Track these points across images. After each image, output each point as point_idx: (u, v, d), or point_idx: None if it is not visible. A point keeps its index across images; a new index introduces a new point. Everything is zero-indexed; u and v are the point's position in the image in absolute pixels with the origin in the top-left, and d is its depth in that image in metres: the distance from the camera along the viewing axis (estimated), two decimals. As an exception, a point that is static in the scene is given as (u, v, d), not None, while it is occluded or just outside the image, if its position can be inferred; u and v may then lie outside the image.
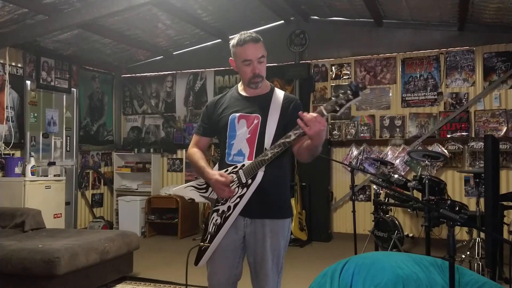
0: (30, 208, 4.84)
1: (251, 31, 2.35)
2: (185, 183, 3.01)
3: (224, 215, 2.18)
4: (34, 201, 5.25)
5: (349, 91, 1.93)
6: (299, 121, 1.97)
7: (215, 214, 2.22)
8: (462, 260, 4.33)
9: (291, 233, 6.01)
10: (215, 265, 2.25)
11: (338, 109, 1.95)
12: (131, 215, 6.84)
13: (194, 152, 2.38)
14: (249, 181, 2.14)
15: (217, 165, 2.35)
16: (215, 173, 2.20)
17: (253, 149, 2.20)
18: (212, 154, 6.53)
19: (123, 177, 7.50)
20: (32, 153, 5.75)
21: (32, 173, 5.48)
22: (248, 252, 2.26)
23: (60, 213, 5.67)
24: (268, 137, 2.19)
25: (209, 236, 2.21)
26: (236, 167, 2.18)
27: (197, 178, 2.38)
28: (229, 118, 2.25)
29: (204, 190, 2.31)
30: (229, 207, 2.18)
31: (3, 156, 5.57)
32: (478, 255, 4.19)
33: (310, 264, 4.98)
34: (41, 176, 5.67)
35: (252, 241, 2.21)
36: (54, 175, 5.82)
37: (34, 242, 3.89)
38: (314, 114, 1.94)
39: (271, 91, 2.33)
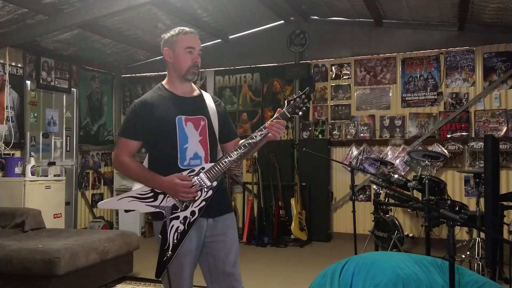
0: (30, 208, 4.84)
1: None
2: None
3: (188, 221, 2.13)
4: (34, 201, 5.25)
5: (304, 96, 2.18)
6: (270, 128, 2.13)
7: (175, 222, 2.12)
8: (462, 260, 4.33)
9: (291, 233, 6.07)
10: (186, 270, 2.19)
11: (297, 111, 2.18)
12: (131, 215, 6.82)
13: (129, 160, 2.20)
14: (214, 183, 2.17)
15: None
16: (172, 177, 2.11)
17: (208, 151, 2.23)
18: None
19: (123, 177, 7.47)
20: (32, 153, 5.75)
21: (32, 173, 5.48)
22: (207, 251, 2.25)
23: (60, 213, 5.67)
24: (217, 138, 2.29)
25: (171, 245, 2.10)
26: (193, 170, 2.16)
27: None
28: (176, 120, 2.19)
29: (152, 199, 2.15)
30: (193, 212, 2.14)
31: (3, 156, 5.57)
32: (478, 255, 4.18)
33: (310, 264, 4.98)
34: (41, 176, 5.66)
35: (212, 238, 2.24)
36: (54, 175, 5.82)
37: (34, 242, 3.89)
38: (282, 121, 2.15)
39: (201, 94, 2.36)
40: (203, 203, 2.15)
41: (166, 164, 2.17)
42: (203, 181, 2.15)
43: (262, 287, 4.19)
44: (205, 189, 2.15)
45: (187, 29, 2.27)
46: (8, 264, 3.55)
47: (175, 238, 2.11)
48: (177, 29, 2.27)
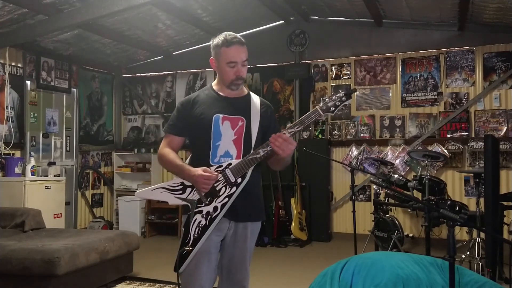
0: (30, 208, 4.84)
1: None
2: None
3: (209, 216, 2.13)
4: (34, 201, 5.25)
5: (341, 93, 2.13)
6: (273, 145, 2.07)
7: (198, 216, 2.14)
8: (462, 260, 4.33)
9: (291, 233, 6.07)
10: (199, 269, 2.17)
11: (333, 109, 2.14)
12: (131, 215, 6.84)
13: (168, 152, 2.28)
14: (239, 180, 2.15)
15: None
16: (197, 169, 2.14)
17: (241, 151, 2.22)
18: None
19: (123, 177, 7.50)
20: (32, 153, 5.75)
21: (32, 173, 5.48)
22: (224, 254, 2.26)
23: (60, 213, 5.67)
24: (253, 140, 2.26)
25: (192, 239, 2.12)
26: (221, 166, 2.17)
27: None
28: (213, 118, 2.22)
29: (181, 192, 2.20)
30: (215, 208, 2.14)
31: (3, 156, 5.57)
32: (478, 255, 4.19)
33: (310, 264, 4.98)
34: (41, 176, 5.67)
35: (231, 243, 2.24)
36: (54, 175, 5.82)
37: (34, 242, 3.89)
38: (285, 137, 2.06)
39: (249, 95, 2.37)
40: (226, 199, 2.14)
41: (200, 160, 2.22)
42: (228, 176, 2.15)
43: (262, 287, 4.18)
44: (229, 185, 2.15)
45: (230, 38, 2.23)
46: (8, 264, 3.55)
47: (196, 232, 2.13)
48: (221, 37, 2.24)
